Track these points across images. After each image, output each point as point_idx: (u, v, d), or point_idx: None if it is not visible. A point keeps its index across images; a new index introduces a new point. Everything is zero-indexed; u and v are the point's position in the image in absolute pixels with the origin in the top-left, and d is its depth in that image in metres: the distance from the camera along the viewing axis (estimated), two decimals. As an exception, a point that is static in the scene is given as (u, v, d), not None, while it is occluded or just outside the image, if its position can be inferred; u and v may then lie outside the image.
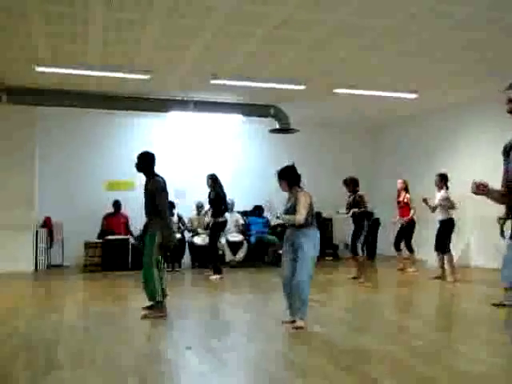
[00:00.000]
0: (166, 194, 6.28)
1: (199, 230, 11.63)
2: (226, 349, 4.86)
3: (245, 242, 11.57)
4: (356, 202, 9.07)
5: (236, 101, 10.89)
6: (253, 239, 11.84)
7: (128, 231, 11.36)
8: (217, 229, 9.98)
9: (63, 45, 7.45)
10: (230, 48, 7.64)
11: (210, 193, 10.00)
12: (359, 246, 9.16)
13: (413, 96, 10.34)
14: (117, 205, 11.46)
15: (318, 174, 12.74)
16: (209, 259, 10.14)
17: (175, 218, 11.40)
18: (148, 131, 12.42)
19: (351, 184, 9.23)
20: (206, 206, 11.10)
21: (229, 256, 11.43)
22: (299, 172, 5.70)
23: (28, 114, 10.71)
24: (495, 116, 10.62)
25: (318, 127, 13.31)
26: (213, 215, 9.97)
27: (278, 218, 5.90)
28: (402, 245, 10.32)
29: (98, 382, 3.90)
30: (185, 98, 10.53)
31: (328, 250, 12.90)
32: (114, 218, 11.40)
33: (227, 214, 10.54)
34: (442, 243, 9.14)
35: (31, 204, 10.93)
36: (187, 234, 11.60)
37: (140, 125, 12.32)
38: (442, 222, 9.22)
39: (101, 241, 10.99)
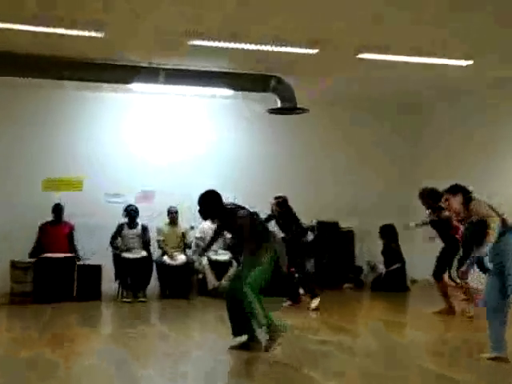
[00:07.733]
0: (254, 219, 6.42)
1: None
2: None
3: (234, 261, 9.24)
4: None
5: (222, 69, 9.32)
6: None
7: (72, 246, 9.44)
8: None
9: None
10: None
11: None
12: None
13: (465, 63, 8.88)
14: (57, 210, 9.50)
15: (330, 170, 11.45)
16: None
17: (138, 230, 9.32)
18: (103, 111, 10.60)
19: (428, 198, 8.69)
20: None
21: (212, 281, 9.14)
22: None
23: None
24: None
25: (334, 106, 11.39)
26: None
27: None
28: None
29: None
30: (153, 65, 9.04)
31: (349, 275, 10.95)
32: (54, 229, 9.48)
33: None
34: None
35: None
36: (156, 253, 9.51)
37: (93, 102, 10.49)
38: None
39: (34, 260, 9.11)
